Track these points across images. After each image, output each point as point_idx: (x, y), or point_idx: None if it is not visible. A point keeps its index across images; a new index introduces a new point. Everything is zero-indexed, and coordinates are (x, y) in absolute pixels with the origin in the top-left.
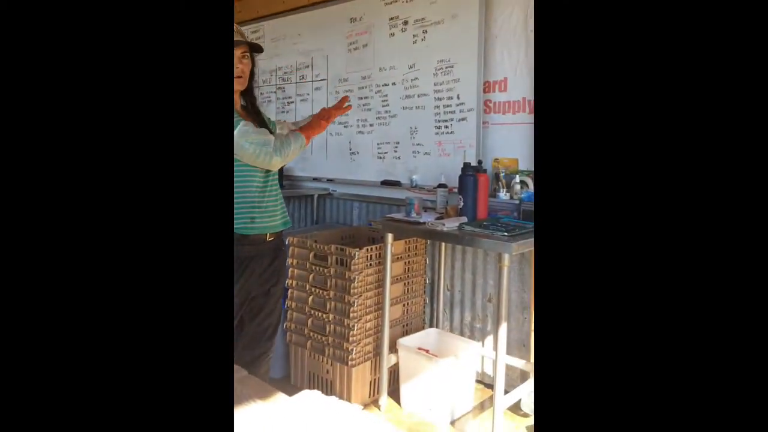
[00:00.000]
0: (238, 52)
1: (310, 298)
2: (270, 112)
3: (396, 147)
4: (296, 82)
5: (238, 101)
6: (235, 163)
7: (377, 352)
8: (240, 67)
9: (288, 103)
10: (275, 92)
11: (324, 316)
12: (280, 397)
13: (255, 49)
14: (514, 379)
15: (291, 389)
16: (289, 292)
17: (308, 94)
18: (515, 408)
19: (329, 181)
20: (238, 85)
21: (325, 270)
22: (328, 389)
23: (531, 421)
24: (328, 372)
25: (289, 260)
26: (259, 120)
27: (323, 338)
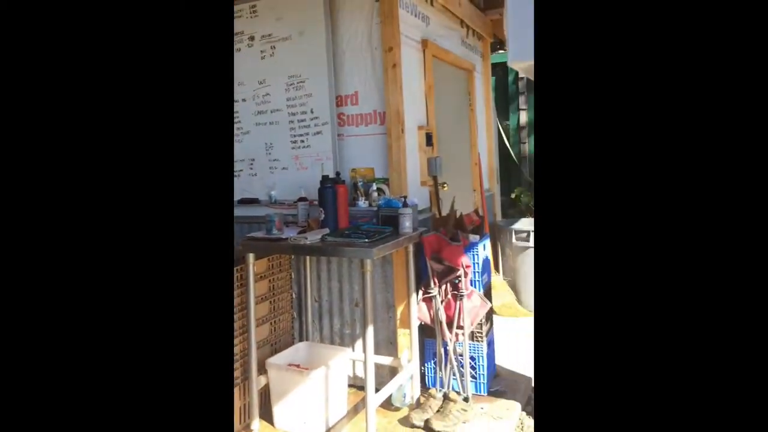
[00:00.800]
0: None
1: None
2: None
3: (251, 164)
4: None
5: None
6: None
7: (245, 377)
8: None
9: None
10: None
11: None
12: None
13: None
14: (383, 377)
15: None
16: None
17: None
18: (386, 404)
19: None
20: None
21: None
22: None
23: (403, 413)
24: None
25: None
26: None
27: None
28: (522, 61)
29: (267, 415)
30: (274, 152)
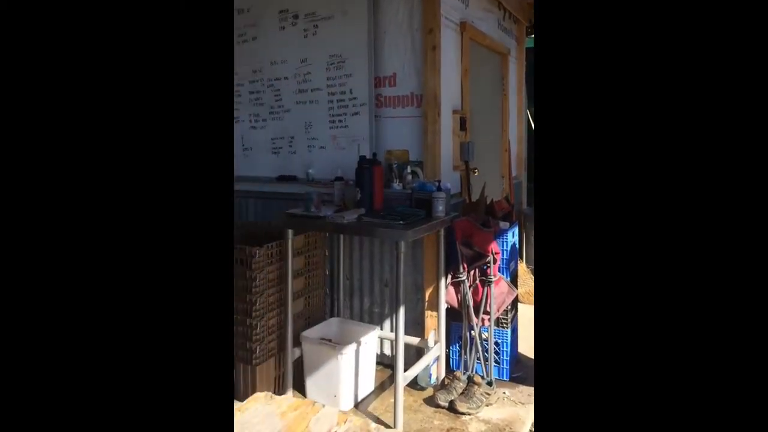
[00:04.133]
0: None
1: None
2: None
3: (291, 142)
4: None
5: None
6: None
7: (281, 348)
8: None
9: None
10: None
11: None
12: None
13: None
14: (410, 357)
15: None
16: None
17: None
18: (412, 384)
19: None
20: None
21: None
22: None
23: (428, 393)
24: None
25: None
26: None
27: None
28: None
29: (299, 386)
30: (313, 131)
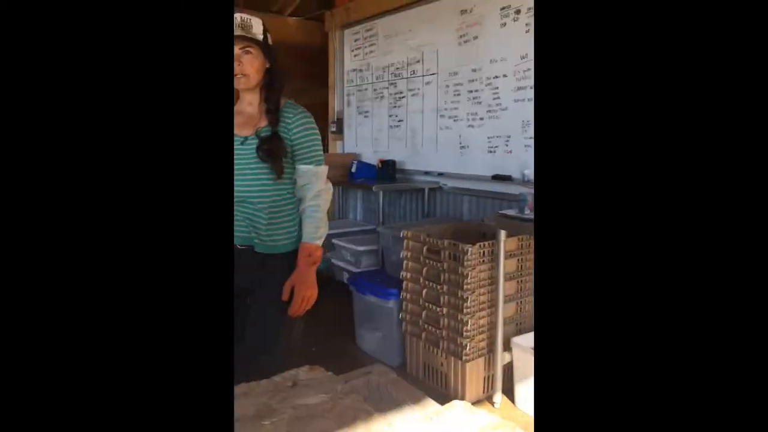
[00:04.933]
0: (237, 48)
1: (424, 291)
2: (382, 107)
3: (507, 141)
4: (407, 78)
5: (254, 102)
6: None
7: (491, 349)
8: (240, 64)
9: (399, 98)
10: (387, 88)
11: (438, 309)
12: (430, 404)
13: (257, 43)
14: None
15: (416, 384)
16: (404, 283)
17: (419, 89)
18: None
19: (440, 174)
20: (240, 84)
21: (439, 264)
22: (442, 382)
23: None
24: (442, 365)
25: (403, 252)
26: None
27: (437, 331)
28: None
29: (508, 391)
30: (530, 130)
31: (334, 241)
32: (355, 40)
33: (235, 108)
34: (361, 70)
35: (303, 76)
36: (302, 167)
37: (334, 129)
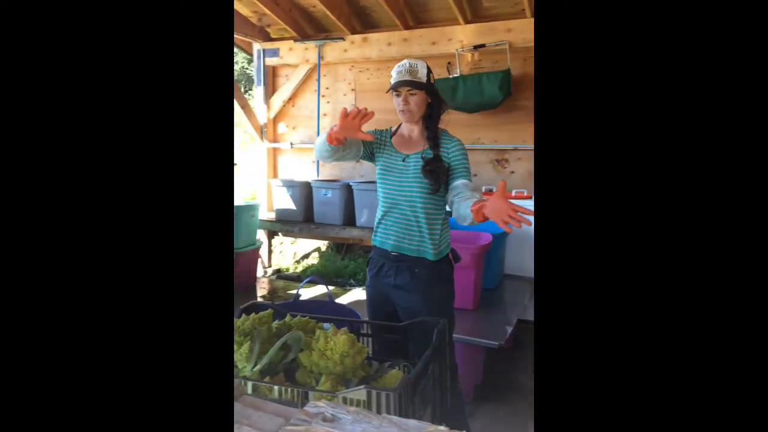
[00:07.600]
0: (405, 90)
1: None
2: None
3: None
4: None
5: (414, 128)
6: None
7: None
8: (407, 104)
9: None
10: None
11: None
12: None
13: (421, 86)
14: None
15: None
16: None
17: None
18: None
19: None
20: (405, 118)
21: None
22: None
23: None
24: None
25: None
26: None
27: None
28: None
29: None
30: None
31: None
32: None
33: (399, 131)
34: None
35: None
36: (458, 182)
37: None
